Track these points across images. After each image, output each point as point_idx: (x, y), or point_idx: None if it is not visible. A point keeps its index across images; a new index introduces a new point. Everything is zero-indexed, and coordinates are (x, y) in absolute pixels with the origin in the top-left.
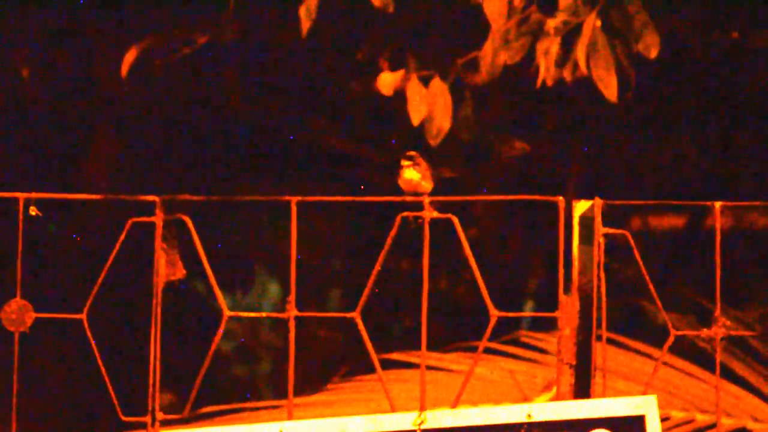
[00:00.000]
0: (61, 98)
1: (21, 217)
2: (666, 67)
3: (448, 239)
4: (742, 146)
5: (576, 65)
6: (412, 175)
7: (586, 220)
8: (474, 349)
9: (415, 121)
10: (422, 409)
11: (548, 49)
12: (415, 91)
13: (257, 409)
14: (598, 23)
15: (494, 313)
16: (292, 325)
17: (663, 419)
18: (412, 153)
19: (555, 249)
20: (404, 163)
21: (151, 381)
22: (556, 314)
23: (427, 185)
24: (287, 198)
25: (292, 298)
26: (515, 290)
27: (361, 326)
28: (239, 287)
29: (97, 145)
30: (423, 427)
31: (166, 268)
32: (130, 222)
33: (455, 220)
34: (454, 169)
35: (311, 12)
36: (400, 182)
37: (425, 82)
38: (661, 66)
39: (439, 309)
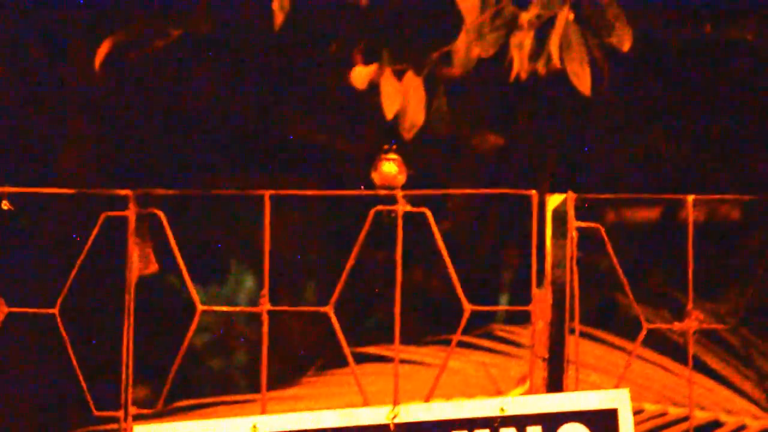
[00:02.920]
0: (34, 92)
1: None
2: (639, 61)
3: (422, 233)
4: (716, 140)
5: (549, 58)
6: (391, 168)
7: (560, 214)
8: (448, 343)
9: (389, 114)
10: (396, 402)
11: (522, 42)
12: (388, 84)
13: (231, 403)
14: (571, 16)
15: (467, 307)
16: (265, 319)
17: (636, 412)
18: (393, 146)
19: (528, 242)
20: (387, 156)
21: (123, 375)
22: (529, 308)
23: (402, 178)
24: (260, 192)
25: (265, 291)
26: (489, 284)
27: (334, 320)
28: (214, 281)
29: (70, 139)
30: (396, 420)
31: (139, 262)
32: (103, 216)
33: (429, 213)
34: (419, 166)
35: (285, 4)
36: (376, 175)
37: (399, 75)
38: (635, 59)
39: (413, 303)
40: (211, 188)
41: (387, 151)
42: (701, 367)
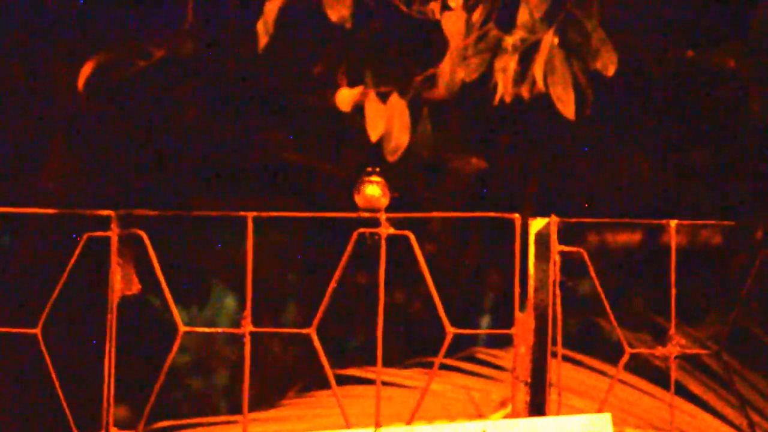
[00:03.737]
0: (16, 111)
1: None
2: (623, 85)
3: (405, 255)
4: (698, 165)
5: (533, 82)
6: (374, 191)
7: (542, 238)
8: (430, 365)
9: (373, 137)
10: (377, 425)
11: (506, 66)
12: (373, 107)
13: (212, 424)
14: (556, 41)
15: (450, 330)
16: (247, 340)
17: None
18: (377, 169)
19: (511, 266)
20: (370, 179)
21: (105, 396)
22: (511, 331)
23: (385, 201)
24: (244, 214)
25: (247, 313)
26: (471, 307)
27: (316, 342)
28: (195, 302)
29: (53, 159)
30: None
31: (122, 283)
32: (85, 236)
33: (412, 236)
34: (401, 188)
35: (269, 27)
36: (359, 198)
37: (383, 98)
38: (618, 84)
39: (395, 325)
40: (194, 209)
41: (370, 174)
42: (683, 392)
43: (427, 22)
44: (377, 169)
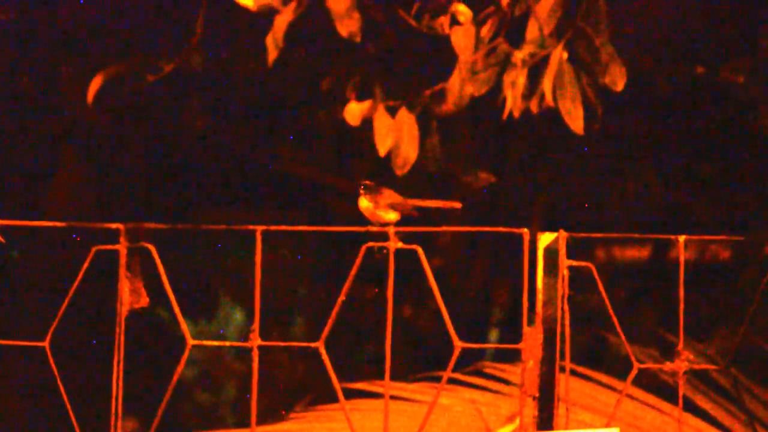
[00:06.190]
0: (27, 124)
1: None
2: (632, 100)
3: (413, 269)
4: (707, 179)
5: (542, 97)
6: (366, 204)
7: (551, 252)
8: (438, 380)
9: (382, 151)
10: None
11: (515, 80)
12: (381, 121)
13: None
14: (565, 55)
15: (458, 344)
16: (255, 354)
17: None
18: (368, 182)
19: (519, 280)
20: (360, 191)
21: (113, 409)
22: (519, 346)
23: (391, 216)
24: (252, 227)
25: (256, 326)
26: (479, 321)
27: (324, 356)
28: (203, 315)
29: (62, 172)
30: None
31: (130, 296)
32: (94, 250)
33: (420, 250)
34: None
35: (278, 41)
36: (360, 210)
37: (392, 112)
38: (627, 99)
39: (404, 339)
40: (203, 223)
41: (364, 187)
42: (691, 407)
43: (436, 37)
44: (368, 182)
